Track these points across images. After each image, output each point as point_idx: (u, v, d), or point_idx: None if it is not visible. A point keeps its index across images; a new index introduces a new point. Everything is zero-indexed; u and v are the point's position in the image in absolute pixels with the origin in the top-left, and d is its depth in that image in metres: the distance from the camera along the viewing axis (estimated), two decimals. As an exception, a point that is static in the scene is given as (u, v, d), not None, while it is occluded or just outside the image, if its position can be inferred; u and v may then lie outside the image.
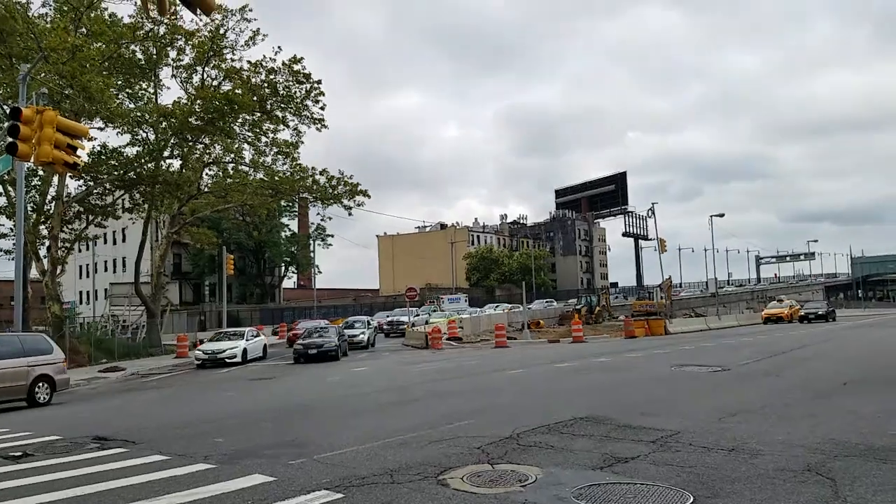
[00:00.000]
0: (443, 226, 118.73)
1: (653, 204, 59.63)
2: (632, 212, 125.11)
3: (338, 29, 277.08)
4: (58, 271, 30.82)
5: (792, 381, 13.95)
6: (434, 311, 52.15)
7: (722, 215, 61.55)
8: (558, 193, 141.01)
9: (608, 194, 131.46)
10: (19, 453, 9.35)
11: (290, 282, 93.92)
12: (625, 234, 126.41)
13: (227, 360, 26.58)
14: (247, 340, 28.58)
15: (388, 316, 51.08)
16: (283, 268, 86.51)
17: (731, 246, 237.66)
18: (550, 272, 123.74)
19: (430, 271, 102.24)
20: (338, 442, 8.88)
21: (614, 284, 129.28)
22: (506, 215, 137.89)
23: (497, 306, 67.82)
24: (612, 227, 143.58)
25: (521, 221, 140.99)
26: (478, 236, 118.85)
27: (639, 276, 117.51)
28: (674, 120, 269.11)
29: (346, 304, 76.91)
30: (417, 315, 45.66)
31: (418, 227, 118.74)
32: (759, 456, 7.10)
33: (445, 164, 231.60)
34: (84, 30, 27.53)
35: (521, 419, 9.82)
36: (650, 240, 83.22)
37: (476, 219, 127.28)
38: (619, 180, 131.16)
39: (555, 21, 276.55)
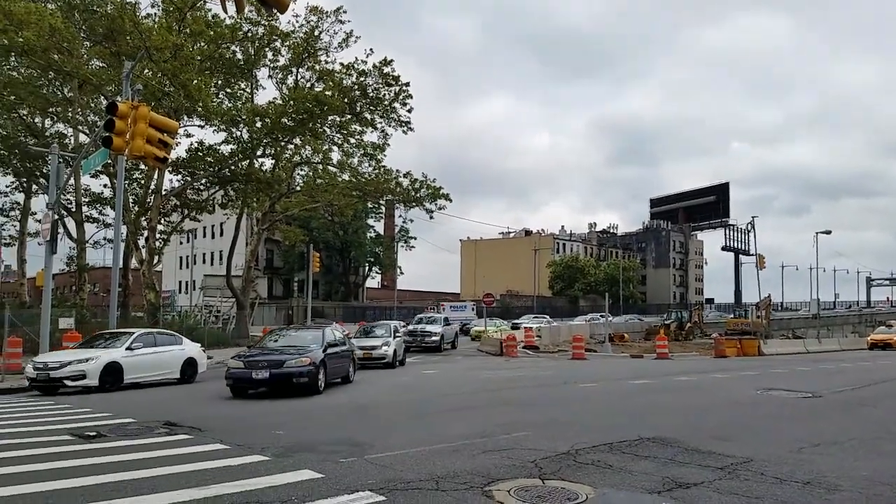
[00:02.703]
0: (527, 232, 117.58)
1: (753, 217, 57.16)
2: (733, 225, 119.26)
3: (430, 37, 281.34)
4: (155, 261, 32.52)
5: (889, 412, 12.84)
6: (430, 318, 39.21)
7: (829, 232, 57.99)
8: (654, 203, 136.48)
9: (708, 206, 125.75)
10: (94, 433, 9.80)
11: (373, 282, 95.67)
12: (724, 249, 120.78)
13: (69, 382, 15.53)
14: (127, 350, 16.78)
15: (406, 324, 38.35)
16: (366, 267, 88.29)
17: (840, 266, 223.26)
18: (640, 284, 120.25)
19: (512, 278, 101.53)
20: (392, 443, 8.80)
21: (710, 300, 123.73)
22: (594, 224, 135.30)
23: (535, 318, 58.01)
24: (711, 241, 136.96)
25: (612, 231, 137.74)
26: (563, 244, 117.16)
27: (737, 293, 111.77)
28: (781, 132, 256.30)
29: (427, 307, 77.43)
30: (423, 324, 36.04)
31: (502, 233, 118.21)
32: (837, 492, 6.48)
33: (534, 171, 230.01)
34: (188, 30, 28.93)
35: (582, 435, 9.43)
36: (751, 255, 79.11)
37: (563, 226, 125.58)
38: (721, 191, 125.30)
39: (653, 28, 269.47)
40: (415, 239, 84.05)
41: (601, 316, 61.49)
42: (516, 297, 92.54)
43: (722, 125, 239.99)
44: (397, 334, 25.77)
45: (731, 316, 69.20)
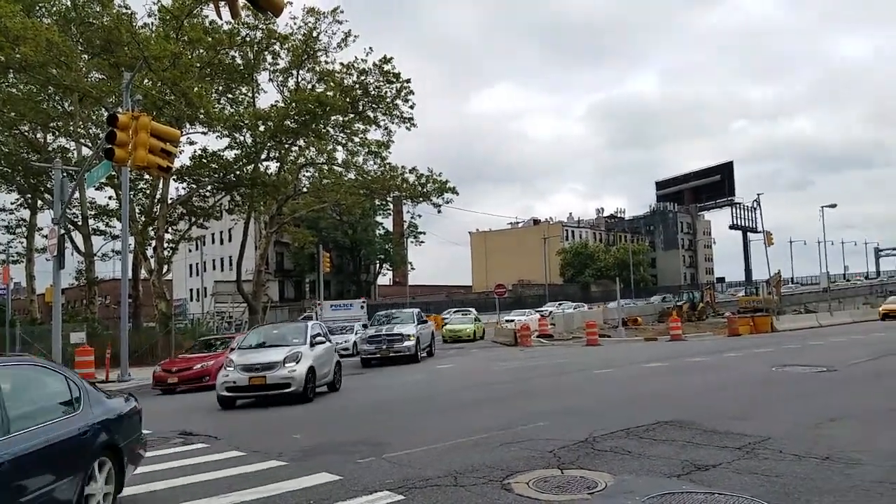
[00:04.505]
0: (536, 221, 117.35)
1: (758, 195, 56.61)
2: (739, 203, 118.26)
3: (430, 29, 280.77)
4: (164, 270, 32.64)
5: (909, 384, 12.71)
6: (395, 316, 25.88)
7: (834, 206, 57.44)
8: (659, 185, 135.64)
9: (713, 185, 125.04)
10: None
11: (385, 279, 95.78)
12: (732, 227, 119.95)
13: None
14: None
15: (359, 323, 31.52)
16: (377, 265, 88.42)
17: (847, 238, 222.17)
18: (650, 267, 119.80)
19: (523, 268, 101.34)
20: (410, 441, 8.79)
21: (720, 279, 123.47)
22: (602, 209, 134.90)
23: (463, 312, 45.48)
24: (718, 220, 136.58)
25: (619, 215, 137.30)
26: (572, 231, 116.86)
27: (747, 271, 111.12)
28: (782, 108, 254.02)
29: (440, 301, 77.53)
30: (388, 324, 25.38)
31: (511, 224, 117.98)
32: (858, 466, 6.44)
33: (540, 159, 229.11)
34: (186, 38, 28.92)
35: (600, 422, 9.39)
36: (759, 232, 78.49)
37: (570, 214, 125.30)
38: (725, 170, 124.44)
39: (650, 12, 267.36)
40: (424, 234, 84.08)
41: (575, 306, 57.64)
42: (528, 287, 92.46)
43: (722, 105, 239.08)
44: (318, 340, 15.58)
45: (742, 294, 68.83)
